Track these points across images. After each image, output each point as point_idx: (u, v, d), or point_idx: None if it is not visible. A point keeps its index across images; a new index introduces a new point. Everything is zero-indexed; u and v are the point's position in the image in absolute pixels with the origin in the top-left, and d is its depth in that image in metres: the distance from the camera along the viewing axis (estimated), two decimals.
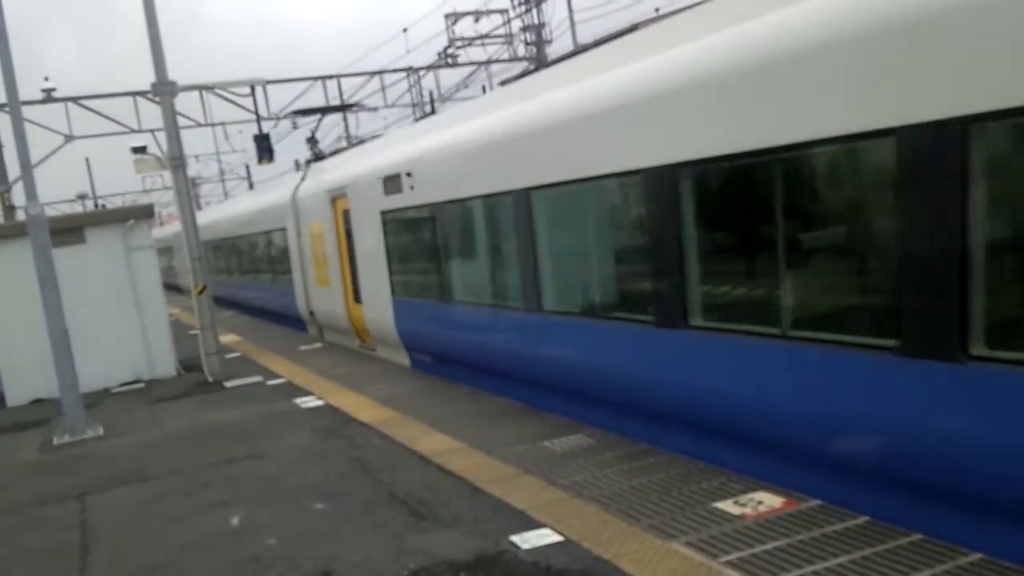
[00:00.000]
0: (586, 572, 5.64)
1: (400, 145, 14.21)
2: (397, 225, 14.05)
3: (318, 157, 20.78)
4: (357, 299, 16.45)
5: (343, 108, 24.89)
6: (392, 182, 13.68)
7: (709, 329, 7.28)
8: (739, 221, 7.06)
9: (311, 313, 20.08)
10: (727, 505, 6.46)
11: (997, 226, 5.05)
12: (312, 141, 21.75)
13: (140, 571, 6.77)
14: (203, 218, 28.72)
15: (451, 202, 11.86)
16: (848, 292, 6.20)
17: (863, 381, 5.76)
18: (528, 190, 9.80)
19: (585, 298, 9.46)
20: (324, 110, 22.88)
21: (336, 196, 16.70)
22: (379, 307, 15.07)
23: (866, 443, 5.80)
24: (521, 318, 10.39)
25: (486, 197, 10.94)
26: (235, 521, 7.58)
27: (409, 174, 13.03)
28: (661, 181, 7.55)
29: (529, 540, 6.24)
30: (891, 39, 5.33)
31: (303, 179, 20.20)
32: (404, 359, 15.00)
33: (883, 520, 5.79)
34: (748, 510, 6.31)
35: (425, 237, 13.02)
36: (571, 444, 8.54)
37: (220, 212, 32.37)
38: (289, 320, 22.72)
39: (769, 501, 6.42)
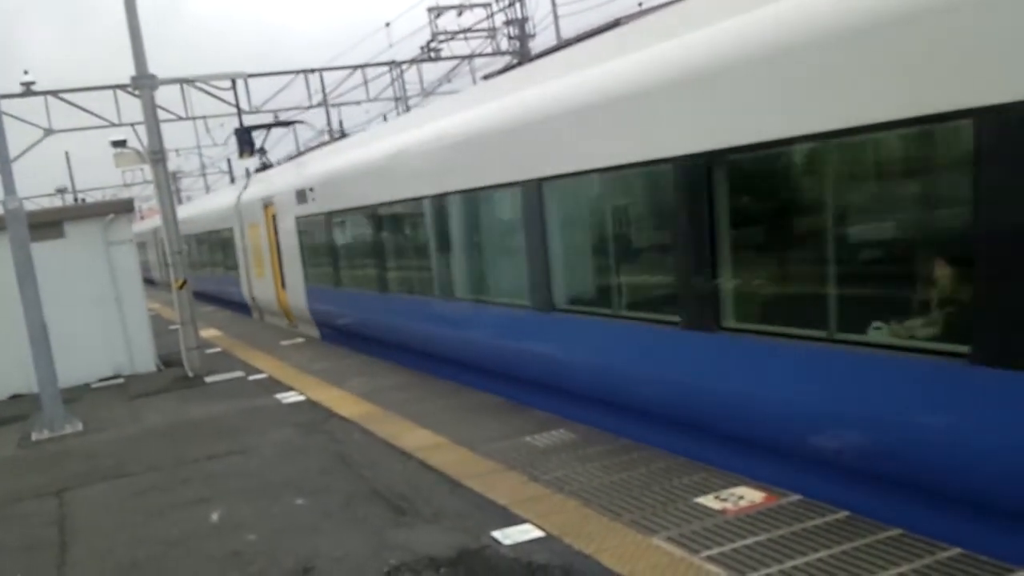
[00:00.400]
0: (567, 567, 5.64)
1: (309, 165, 18.50)
2: (306, 228, 18.08)
3: (265, 167, 24.50)
4: (283, 286, 20.47)
5: (289, 123, 28.70)
6: (302, 194, 17.81)
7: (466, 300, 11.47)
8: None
9: (253, 299, 24.26)
10: (708, 500, 6.47)
11: (561, 242, 9.35)
12: (261, 152, 24.75)
13: (119, 568, 6.73)
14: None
15: (338, 211, 16.13)
16: (513, 276, 10.21)
17: (527, 324, 9.93)
18: (378, 204, 13.98)
19: (408, 283, 13.70)
20: (271, 125, 26.05)
21: (267, 203, 20.70)
22: (297, 293, 19.28)
23: (528, 359, 10.09)
24: (379, 298, 14.55)
25: (355, 209, 15.19)
26: (215, 517, 7.54)
27: (311, 189, 17.22)
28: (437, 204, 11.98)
29: (511, 535, 6.24)
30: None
31: (246, 187, 24.19)
32: (316, 332, 19.14)
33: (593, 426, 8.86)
34: (729, 505, 6.32)
35: (323, 238, 17.11)
36: (553, 439, 8.54)
37: (181, 213, 34.49)
38: (237, 306, 26.95)
39: (750, 496, 6.44)
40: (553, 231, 9.44)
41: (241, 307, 26.31)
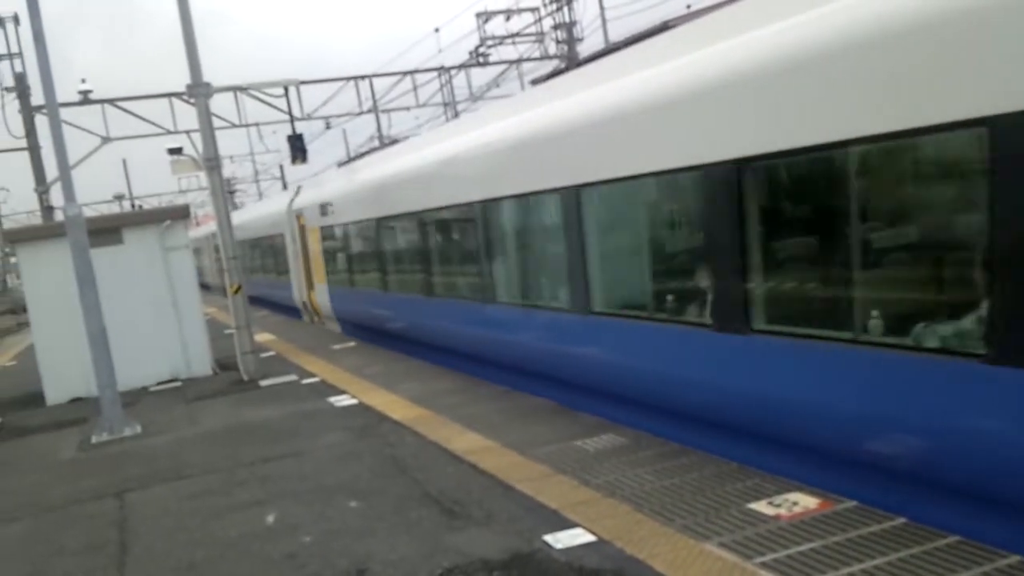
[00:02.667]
0: (619, 572, 5.63)
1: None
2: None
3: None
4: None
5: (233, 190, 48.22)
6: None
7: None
8: None
9: None
10: (761, 506, 6.42)
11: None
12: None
13: (177, 569, 6.85)
14: None
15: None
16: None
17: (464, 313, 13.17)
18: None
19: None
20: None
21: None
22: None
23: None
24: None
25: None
26: (270, 519, 7.65)
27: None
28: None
29: (562, 540, 6.24)
30: None
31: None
32: None
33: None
34: (783, 511, 6.27)
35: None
36: (603, 443, 8.53)
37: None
38: None
39: (804, 502, 6.37)
40: None
41: None
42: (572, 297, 9.90)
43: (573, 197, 9.51)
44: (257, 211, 32.82)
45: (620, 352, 9.17)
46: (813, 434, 6.75)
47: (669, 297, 8.64)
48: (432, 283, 14.57)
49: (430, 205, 13.90)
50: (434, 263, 14.52)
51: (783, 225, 7.22)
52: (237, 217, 32.35)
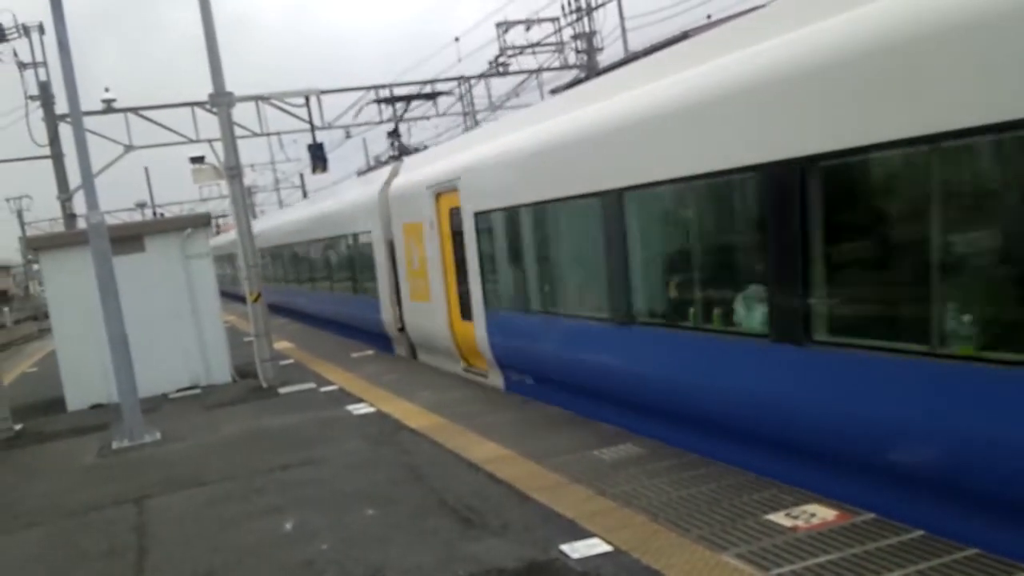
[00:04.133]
0: None
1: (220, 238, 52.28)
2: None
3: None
4: None
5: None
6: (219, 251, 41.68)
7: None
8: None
9: None
10: (779, 517, 6.40)
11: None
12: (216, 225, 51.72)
13: (196, 574, 6.89)
14: None
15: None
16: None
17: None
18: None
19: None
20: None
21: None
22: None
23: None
24: None
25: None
26: (288, 526, 7.68)
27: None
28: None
29: (579, 549, 6.24)
30: None
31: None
32: None
33: None
34: (800, 523, 6.25)
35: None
36: (620, 453, 8.53)
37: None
38: None
39: (822, 514, 6.35)
40: None
41: None
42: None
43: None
44: (224, 238, 47.95)
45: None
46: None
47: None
48: (284, 279, 30.16)
49: (280, 243, 28.15)
50: (280, 271, 30.42)
51: None
52: (220, 240, 45.17)
